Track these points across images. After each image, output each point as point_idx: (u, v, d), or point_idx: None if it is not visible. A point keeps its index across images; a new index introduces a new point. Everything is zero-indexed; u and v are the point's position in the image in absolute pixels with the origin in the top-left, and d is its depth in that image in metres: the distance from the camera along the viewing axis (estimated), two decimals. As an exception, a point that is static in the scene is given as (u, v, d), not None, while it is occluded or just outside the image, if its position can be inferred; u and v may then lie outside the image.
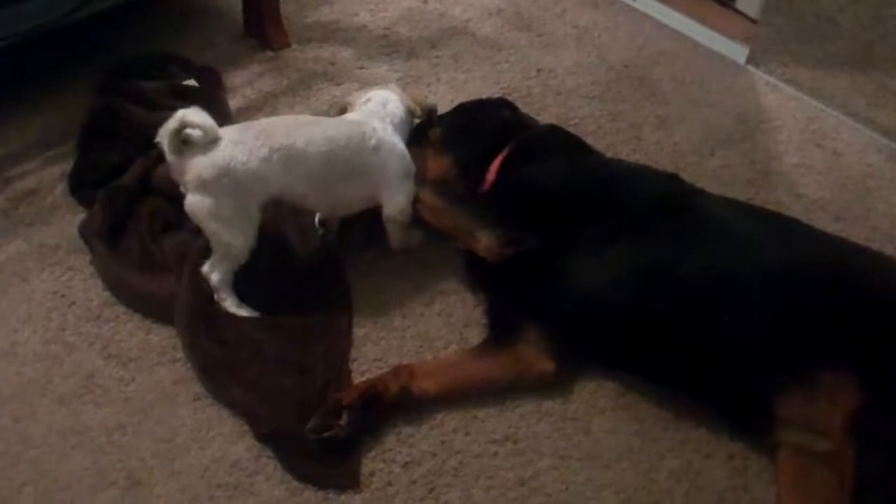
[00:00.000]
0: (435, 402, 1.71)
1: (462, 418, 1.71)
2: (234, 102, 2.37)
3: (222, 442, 1.66)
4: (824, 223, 2.05)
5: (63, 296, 1.90)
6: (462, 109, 2.13)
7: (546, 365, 1.73)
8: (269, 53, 2.57)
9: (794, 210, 2.10)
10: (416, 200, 1.87)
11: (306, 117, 1.90)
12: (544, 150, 1.95)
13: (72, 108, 2.28)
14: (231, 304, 1.79)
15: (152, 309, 1.85)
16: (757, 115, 2.43)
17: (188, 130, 1.65)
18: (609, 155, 2.17)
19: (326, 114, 2.05)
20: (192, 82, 2.33)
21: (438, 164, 1.98)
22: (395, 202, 1.85)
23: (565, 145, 2.01)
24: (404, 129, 1.93)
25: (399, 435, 1.68)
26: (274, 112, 2.35)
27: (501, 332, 1.79)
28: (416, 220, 1.91)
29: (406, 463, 1.64)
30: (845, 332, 1.55)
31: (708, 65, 2.61)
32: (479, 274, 1.88)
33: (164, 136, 1.67)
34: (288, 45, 2.59)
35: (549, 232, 1.75)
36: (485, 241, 1.77)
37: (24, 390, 1.73)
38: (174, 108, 1.69)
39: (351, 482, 1.60)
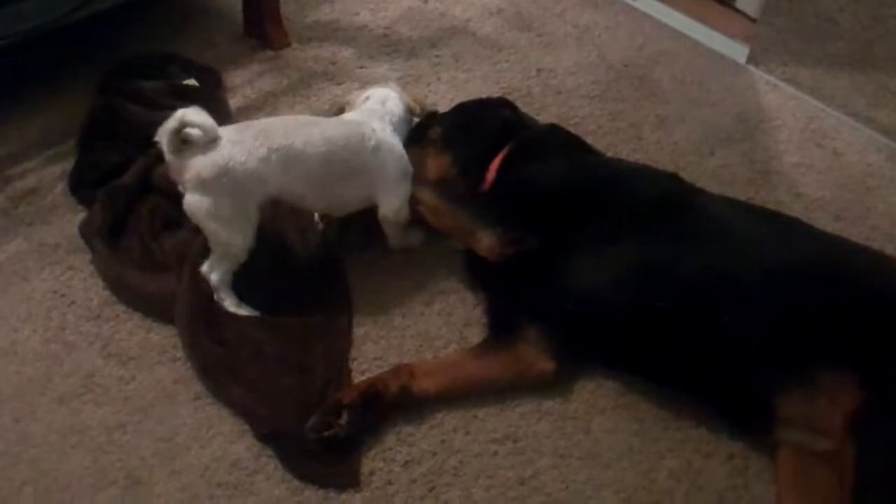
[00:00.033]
0: (435, 402, 1.71)
1: (462, 417, 1.71)
2: (234, 102, 2.37)
3: (222, 441, 1.66)
4: (824, 223, 2.05)
5: (63, 295, 1.90)
6: (462, 109, 2.13)
7: (546, 364, 1.73)
8: (270, 53, 2.57)
9: (795, 209, 2.10)
10: (416, 201, 1.87)
11: (305, 117, 1.90)
12: (544, 150, 1.95)
13: (72, 108, 2.28)
14: (231, 304, 1.79)
15: (152, 308, 1.85)
16: (757, 115, 2.43)
17: (188, 130, 1.65)
18: (609, 154, 2.17)
19: (326, 113, 2.05)
20: (192, 82, 2.33)
21: (438, 164, 1.98)
22: (391, 202, 1.85)
23: (565, 145, 2.01)
24: (403, 128, 1.93)
25: (399, 434, 1.68)
26: (274, 111, 2.35)
27: (501, 331, 1.79)
28: (417, 219, 1.91)
29: (406, 462, 1.64)
30: (845, 332, 1.55)
31: (708, 64, 2.61)
32: (479, 273, 1.88)
33: (163, 136, 1.66)
34: (288, 45, 2.59)
35: (549, 231, 1.75)
36: (486, 241, 1.77)
37: (25, 389, 1.73)
38: (174, 108, 1.69)
39: (351, 481, 1.60)
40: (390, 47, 2.61)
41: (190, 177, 1.68)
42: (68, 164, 2.15)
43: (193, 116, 1.65)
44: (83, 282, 1.92)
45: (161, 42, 2.53)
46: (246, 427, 1.67)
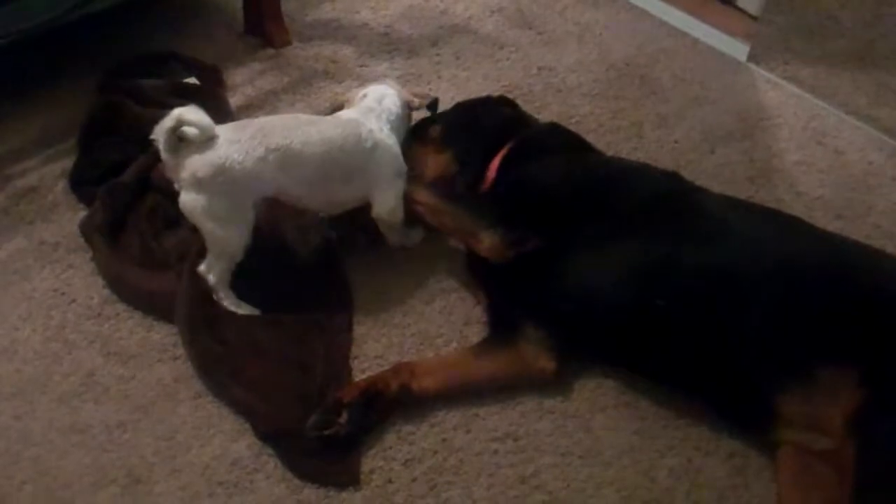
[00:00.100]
0: (435, 400, 1.71)
1: (463, 416, 1.71)
2: (234, 100, 2.37)
3: (223, 440, 1.66)
4: (825, 221, 2.05)
5: (63, 293, 1.90)
6: (463, 107, 2.12)
7: (547, 363, 1.73)
8: (270, 51, 2.57)
9: (795, 208, 2.10)
10: (415, 201, 1.87)
11: (303, 116, 1.90)
12: (545, 149, 1.94)
13: (72, 106, 2.28)
14: (230, 303, 1.79)
15: (153, 306, 1.85)
16: (757, 113, 2.43)
17: (184, 128, 1.65)
18: (610, 153, 2.17)
19: (325, 111, 2.04)
20: (192, 80, 2.33)
21: (438, 162, 1.98)
22: (385, 201, 1.84)
23: (566, 143, 2.00)
24: (401, 125, 1.93)
25: (399, 433, 1.68)
26: (275, 110, 2.35)
27: (502, 330, 1.79)
28: (417, 219, 1.91)
29: (406, 460, 1.64)
30: (846, 331, 1.55)
31: (708, 62, 2.60)
32: (480, 272, 1.88)
33: (159, 134, 1.66)
34: (289, 43, 2.59)
35: (549, 230, 1.75)
36: (487, 242, 1.77)
37: (25, 388, 1.74)
38: (175, 106, 1.69)
39: (351, 480, 1.60)
40: (391, 46, 2.61)
41: (186, 175, 1.68)
42: (69, 163, 2.15)
43: (190, 115, 1.65)
44: (83, 280, 1.92)
45: (162, 40, 2.53)
46: (246, 426, 1.68)
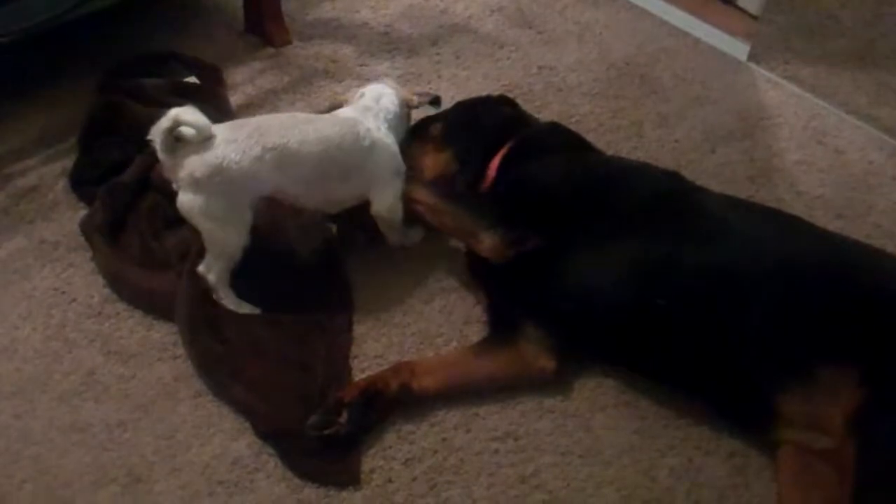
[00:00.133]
0: (435, 400, 1.71)
1: (463, 415, 1.71)
2: (235, 99, 2.37)
3: (223, 439, 1.66)
4: (825, 221, 2.05)
5: (64, 292, 1.90)
6: (463, 106, 2.12)
7: (547, 362, 1.73)
8: (271, 50, 2.57)
9: (795, 207, 2.10)
10: (415, 200, 1.87)
11: (300, 115, 1.90)
12: (545, 148, 1.94)
13: (72, 106, 2.28)
14: (230, 303, 1.79)
15: (153, 305, 1.85)
16: (758, 113, 2.43)
17: (181, 129, 1.64)
18: (610, 152, 2.17)
19: (325, 111, 2.04)
20: (193, 79, 2.33)
21: (438, 160, 1.98)
22: (384, 199, 1.84)
23: (566, 143, 2.00)
24: (399, 124, 1.93)
25: (399, 432, 1.68)
26: (275, 109, 2.35)
27: (502, 329, 1.79)
28: (416, 218, 1.91)
29: (407, 460, 1.64)
30: (846, 330, 1.55)
31: (709, 62, 2.60)
32: (480, 272, 1.88)
33: (156, 135, 1.66)
34: (289, 42, 2.59)
35: (549, 230, 1.75)
36: (488, 242, 1.76)
37: (25, 387, 1.74)
38: (175, 106, 1.69)
39: (351, 479, 1.60)
40: (391, 45, 2.61)
41: (183, 176, 1.67)
42: (69, 162, 2.15)
43: (187, 115, 1.64)
44: (84, 279, 1.92)
45: (162, 39, 2.53)
46: (246, 425, 1.68)
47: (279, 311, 1.81)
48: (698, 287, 1.64)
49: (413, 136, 2.02)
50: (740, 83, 2.53)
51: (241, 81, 2.45)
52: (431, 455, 1.65)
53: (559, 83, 2.49)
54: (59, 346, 1.80)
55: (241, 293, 1.80)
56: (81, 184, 2.09)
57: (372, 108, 1.89)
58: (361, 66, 2.52)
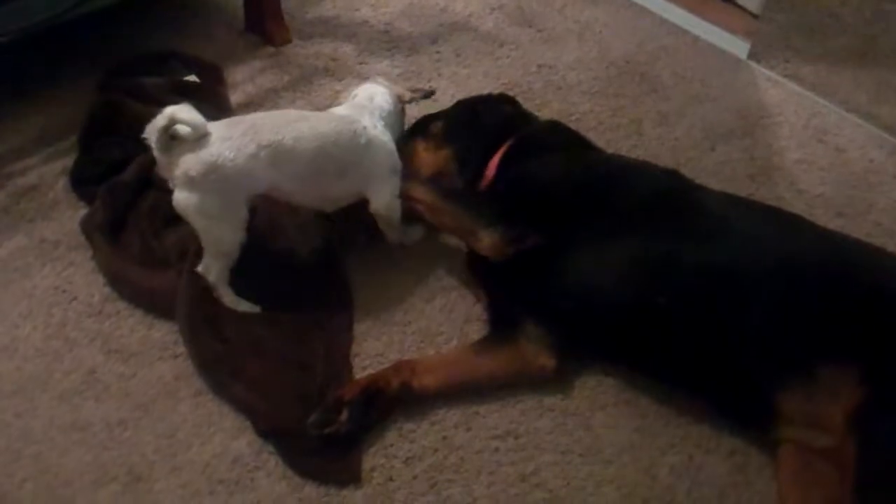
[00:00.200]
0: (436, 398, 1.71)
1: (463, 414, 1.71)
2: (235, 98, 2.37)
3: (223, 437, 1.66)
4: (826, 219, 2.05)
5: (64, 291, 1.90)
6: (463, 105, 2.12)
7: (547, 361, 1.73)
8: (270, 49, 2.57)
9: (796, 206, 2.10)
10: (414, 199, 1.87)
11: (295, 112, 1.89)
12: (544, 146, 1.94)
13: (73, 104, 2.28)
14: (229, 301, 1.79)
15: (153, 304, 1.85)
16: (758, 111, 2.43)
17: (177, 127, 1.64)
18: (610, 151, 2.17)
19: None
20: (193, 78, 2.33)
21: (437, 158, 1.98)
22: (382, 197, 1.84)
23: (566, 141, 2.00)
24: (394, 121, 1.93)
25: (400, 430, 1.68)
26: (275, 108, 2.34)
27: (502, 327, 1.79)
28: (416, 217, 1.91)
29: (407, 458, 1.64)
30: (846, 329, 1.55)
31: (709, 60, 2.60)
32: (480, 270, 1.88)
33: (151, 133, 1.65)
34: (289, 41, 2.59)
35: (549, 228, 1.75)
36: (487, 241, 1.76)
37: (25, 386, 1.74)
38: (175, 105, 1.69)
39: (352, 478, 1.60)
40: (391, 43, 2.61)
41: (179, 174, 1.67)
42: (69, 161, 2.15)
43: (182, 114, 1.64)
44: (84, 278, 1.92)
45: (162, 38, 2.53)
46: (247, 423, 1.68)
47: (279, 310, 1.81)
48: (698, 285, 1.64)
49: (413, 133, 2.02)
50: (740, 81, 2.53)
51: (242, 80, 2.45)
52: (432, 453, 1.65)
53: (559, 81, 2.49)
54: (59, 345, 1.80)
55: (241, 292, 1.80)
56: (82, 183, 2.09)
57: (366, 106, 1.89)
58: (361, 64, 2.52)
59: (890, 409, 1.48)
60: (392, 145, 1.87)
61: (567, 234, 1.74)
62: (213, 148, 1.66)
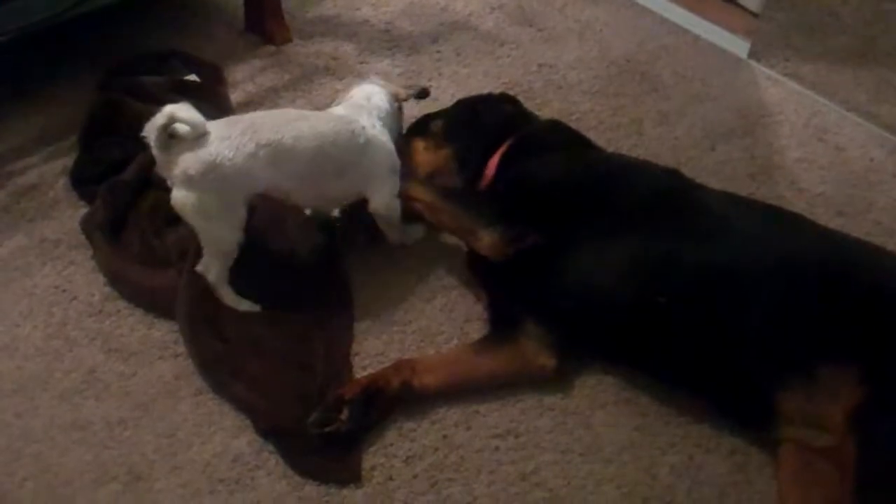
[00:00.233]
0: (436, 397, 1.71)
1: (463, 413, 1.71)
2: (235, 97, 2.37)
3: (224, 437, 1.66)
4: (826, 218, 2.04)
5: (64, 290, 1.90)
6: (463, 104, 2.12)
7: (547, 360, 1.73)
8: (271, 48, 2.57)
9: (796, 205, 2.10)
10: (413, 198, 1.87)
11: (294, 112, 1.89)
12: (545, 145, 1.94)
13: (73, 104, 2.28)
14: (230, 300, 1.79)
15: (154, 303, 1.85)
16: (758, 110, 2.43)
17: (175, 126, 1.64)
18: (610, 150, 2.17)
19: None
20: (193, 77, 2.33)
21: (437, 157, 1.98)
22: (381, 197, 1.84)
23: (566, 140, 2.00)
24: (392, 120, 1.93)
25: (400, 429, 1.68)
26: (275, 107, 2.34)
27: (503, 327, 1.79)
28: (416, 216, 1.91)
29: (407, 457, 1.64)
30: (847, 328, 1.55)
31: (709, 59, 2.60)
32: (480, 269, 1.88)
33: (150, 132, 1.65)
34: (289, 40, 2.59)
35: (549, 227, 1.75)
36: (487, 240, 1.76)
37: (26, 385, 1.74)
38: (176, 104, 1.69)
39: (352, 477, 1.61)
40: (391, 42, 2.61)
41: (177, 172, 1.67)
42: (69, 160, 2.15)
43: (181, 112, 1.64)
44: (84, 277, 1.92)
45: (162, 37, 2.53)
46: (247, 423, 1.68)
47: (279, 309, 1.82)
48: (698, 285, 1.64)
49: (413, 132, 2.02)
50: (741, 80, 2.53)
51: (242, 79, 2.45)
52: (432, 452, 1.65)
53: (559, 81, 2.49)
54: (59, 345, 1.80)
55: (241, 291, 1.80)
56: (82, 182, 2.10)
57: (364, 105, 1.89)
58: (362, 63, 2.52)
59: (890, 409, 1.48)
60: (391, 145, 1.87)
61: (567, 234, 1.74)
62: (212, 147, 1.66)
